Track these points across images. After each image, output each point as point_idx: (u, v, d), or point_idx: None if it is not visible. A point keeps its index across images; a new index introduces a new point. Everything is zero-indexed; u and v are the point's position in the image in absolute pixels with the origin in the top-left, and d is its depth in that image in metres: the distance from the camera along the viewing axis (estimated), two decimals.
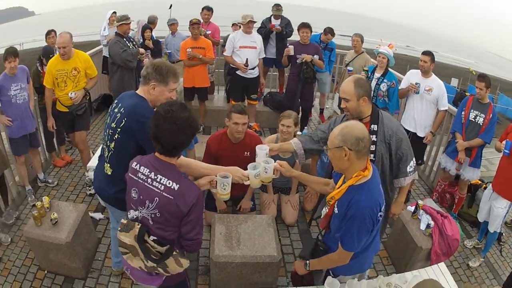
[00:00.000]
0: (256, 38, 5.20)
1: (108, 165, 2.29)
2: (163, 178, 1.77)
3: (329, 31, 5.94)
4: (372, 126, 2.43)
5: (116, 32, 5.00)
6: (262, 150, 2.27)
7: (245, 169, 3.52)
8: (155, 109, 1.96)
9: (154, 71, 2.14)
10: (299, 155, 2.65)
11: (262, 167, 2.21)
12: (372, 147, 2.45)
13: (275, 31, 5.76)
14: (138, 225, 1.84)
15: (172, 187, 1.75)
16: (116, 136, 2.18)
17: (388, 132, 2.42)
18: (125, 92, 2.35)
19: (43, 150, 4.60)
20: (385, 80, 4.49)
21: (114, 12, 6.01)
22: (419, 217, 3.39)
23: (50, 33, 4.90)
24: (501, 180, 3.52)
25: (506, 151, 3.35)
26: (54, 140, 4.71)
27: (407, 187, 2.73)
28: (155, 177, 1.79)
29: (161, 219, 1.80)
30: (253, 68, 5.21)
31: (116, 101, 2.30)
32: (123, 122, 2.13)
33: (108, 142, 2.25)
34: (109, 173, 2.30)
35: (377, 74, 4.58)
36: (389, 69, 4.63)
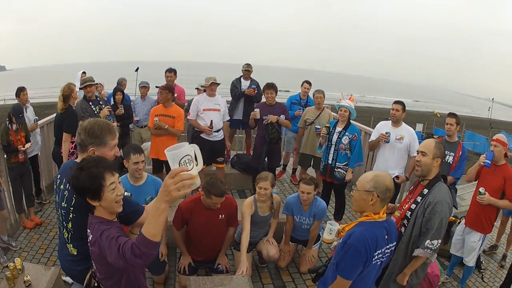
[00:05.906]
0: (220, 101, 5.08)
1: (71, 245, 2.10)
2: (89, 233, 1.77)
3: (306, 82, 5.99)
4: (425, 189, 2.54)
5: (84, 95, 4.84)
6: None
7: (221, 232, 3.52)
8: None
9: (88, 136, 1.96)
10: None
11: (328, 229, 2.47)
12: (413, 206, 2.56)
13: (247, 93, 5.73)
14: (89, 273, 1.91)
15: (89, 239, 1.76)
16: (71, 216, 2.01)
17: (429, 200, 2.48)
18: (65, 163, 2.16)
19: (13, 210, 4.41)
20: (346, 133, 4.41)
21: (84, 72, 5.72)
22: None
23: (23, 90, 4.88)
24: (472, 214, 3.63)
25: (487, 161, 3.36)
26: (24, 201, 4.49)
27: (418, 263, 2.60)
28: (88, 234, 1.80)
29: (100, 269, 1.81)
30: (217, 131, 5.07)
31: (58, 175, 2.13)
32: (74, 200, 1.96)
33: (64, 222, 2.07)
34: (75, 253, 2.11)
35: (338, 128, 4.48)
36: (351, 122, 4.56)
